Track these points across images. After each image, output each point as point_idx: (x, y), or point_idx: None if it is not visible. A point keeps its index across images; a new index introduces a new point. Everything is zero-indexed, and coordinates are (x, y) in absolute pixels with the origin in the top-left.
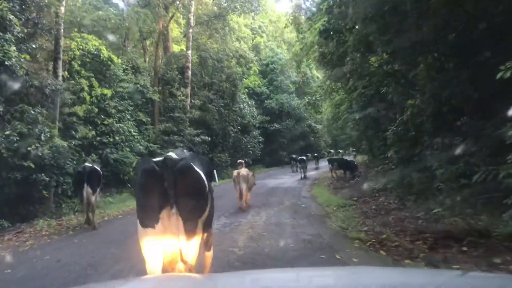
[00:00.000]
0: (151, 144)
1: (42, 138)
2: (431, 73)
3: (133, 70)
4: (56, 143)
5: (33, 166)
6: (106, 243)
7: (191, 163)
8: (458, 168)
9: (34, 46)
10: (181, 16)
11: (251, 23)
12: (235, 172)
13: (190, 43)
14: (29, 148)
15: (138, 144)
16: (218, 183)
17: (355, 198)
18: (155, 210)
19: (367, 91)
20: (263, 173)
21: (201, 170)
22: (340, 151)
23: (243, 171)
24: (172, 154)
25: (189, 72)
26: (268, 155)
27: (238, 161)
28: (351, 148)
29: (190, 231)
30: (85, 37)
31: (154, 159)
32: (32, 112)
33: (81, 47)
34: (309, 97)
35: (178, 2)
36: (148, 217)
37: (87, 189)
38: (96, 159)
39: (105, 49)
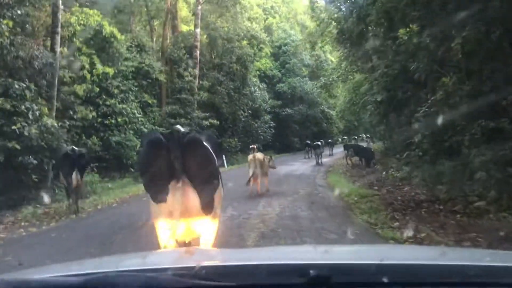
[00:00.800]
0: (156, 127)
1: (30, 116)
2: (467, 46)
3: (138, 49)
4: (45, 122)
5: (18, 147)
6: (87, 239)
7: (199, 137)
8: (504, 155)
9: (19, 12)
10: None
11: (264, 3)
12: (250, 156)
13: (199, 21)
14: (14, 127)
15: (142, 127)
16: (227, 168)
17: (376, 188)
18: (164, 183)
19: (391, 70)
20: (274, 160)
21: (210, 147)
22: (355, 137)
23: (258, 155)
24: (179, 127)
25: (197, 52)
26: (280, 141)
27: (251, 146)
28: (364, 135)
29: (206, 204)
30: (86, 12)
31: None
32: (17, 86)
33: (82, 22)
34: (324, 79)
35: None
36: (158, 191)
37: (76, 174)
38: (97, 142)
39: (107, 24)
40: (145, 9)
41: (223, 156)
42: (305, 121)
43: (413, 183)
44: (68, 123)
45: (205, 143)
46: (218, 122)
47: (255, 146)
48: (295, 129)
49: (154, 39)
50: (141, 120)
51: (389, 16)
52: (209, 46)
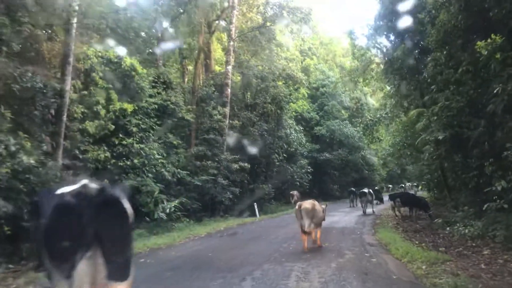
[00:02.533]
0: (179, 170)
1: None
2: None
3: (164, 86)
4: (21, 159)
5: None
6: None
7: (117, 194)
8: None
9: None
10: (224, 34)
11: (301, 45)
12: (297, 206)
13: (231, 57)
14: None
15: (163, 170)
16: (258, 218)
17: (443, 248)
18: (70, 255)
19: (454, 103)
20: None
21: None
22: (403, 185)
23: (307, 203)
24: (87, 183)
25: (228, 90)
26: (318, 188)
27: (291, 192)
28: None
29: (122, 274)
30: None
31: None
32: None
33: (100, 54)
34: (368, 119)
35: (220, 20)
36: (61, 266)
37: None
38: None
39: (128, 58)
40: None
41: (255, 204)
42: (345, 167)
43: (491, 244)
44: (63, 162)
45: (122, 201)
46: (249, 166)
47: (295, 193)
48: (334, 175)
49: (186, 79)
50: (162, 163)
51: (451, 36)
52: (242, 85)
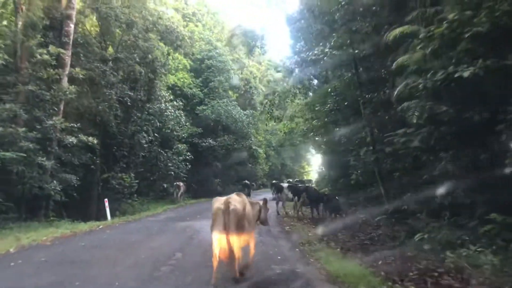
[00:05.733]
0: None
1: None
2: None
3: None
4: None
5: None
6: None
7: None
8: None
9: None
10: None
11: (183, 8)
12: (218, 202)
13: None
14: None
15: None
16: (110, 221)
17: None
18: None
19: None
20: (191, 208)
21: None
22: (291, 180)
23: (235, 198)
24: None
25: (71, 26)
26: (196, 181)
27: (176, 183)
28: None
29: None
30: None
31: None
32: None
33: None
34: (270, 97)
35: None
36: None
37: None
38: None
39: None
40: None
41: (106, 201)
42: (228, 158)
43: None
44: None
45: None
46: (96, 142)
47: (181, 184)
48: (216, 167)
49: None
50: None
51: None
52: (100, 32)
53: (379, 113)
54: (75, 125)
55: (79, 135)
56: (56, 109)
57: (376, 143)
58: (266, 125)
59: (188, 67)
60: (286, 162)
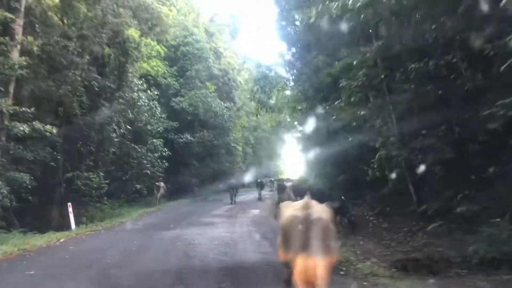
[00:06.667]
0: None
1: None
2: None
3: None
4: None
5: None
6: None
7: None
8: None
9: None
10: None
11: None
12: (292, 208)
13: None
14: None
15: None
16: (74, 231)
17: None
18: None
19: None
20: (170, 211)
21: None
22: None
23: (311, 204)
24: None
25: None
26: (172, 181)
27: (157, 183)
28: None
29: None
30: None
31: None
32: None
33: None
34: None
35: None
36: None
37: None
38: None
39: None
40: None
41: (69, 205)
42: (205, 156)
43: None
44: None
45: None
46: (55, 131)
47: (161, 185)
48: (193, 166)
49: None
50: None
51: None
52: (61, 7)
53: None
54: (29, 110)
55: (34, 123)
56: (2, 89)
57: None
58: (257, 116)
59: (162, 53)
60: (263, 161)
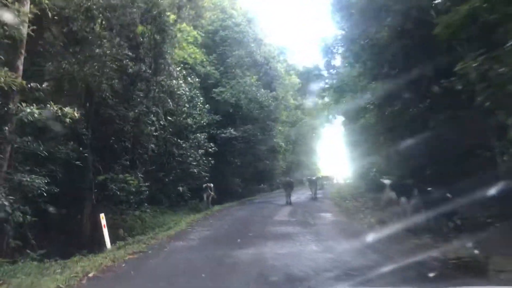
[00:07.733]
0: None
1: None
2: None
3: None
4: None
5: None
6: None
7: None
8: None
9: None
10: None
11: None
12: None
13: None
14: None
15: None
16: (110, 254)
17: None
18: None
19: None
20: (223, 218)
21: None
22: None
23: None
24: None
25: None
26: (216, 182)
27: (204, 185)
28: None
29: None
30: None
31: None
32: None
33: None
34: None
35: None
36: None
37: None
38: None
39: None
40: None
41: (102, 216)
42: (246, 153)
43: None
44: None
45: None
46: (77, 115)
47: (211, 185)
48: (235, 164)
49: None
50: None
51: None
52: None
53: None
54: (39, 86)
55: (49, 105)
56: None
57: None
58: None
59: (200, 39)
60: (301, 158)
